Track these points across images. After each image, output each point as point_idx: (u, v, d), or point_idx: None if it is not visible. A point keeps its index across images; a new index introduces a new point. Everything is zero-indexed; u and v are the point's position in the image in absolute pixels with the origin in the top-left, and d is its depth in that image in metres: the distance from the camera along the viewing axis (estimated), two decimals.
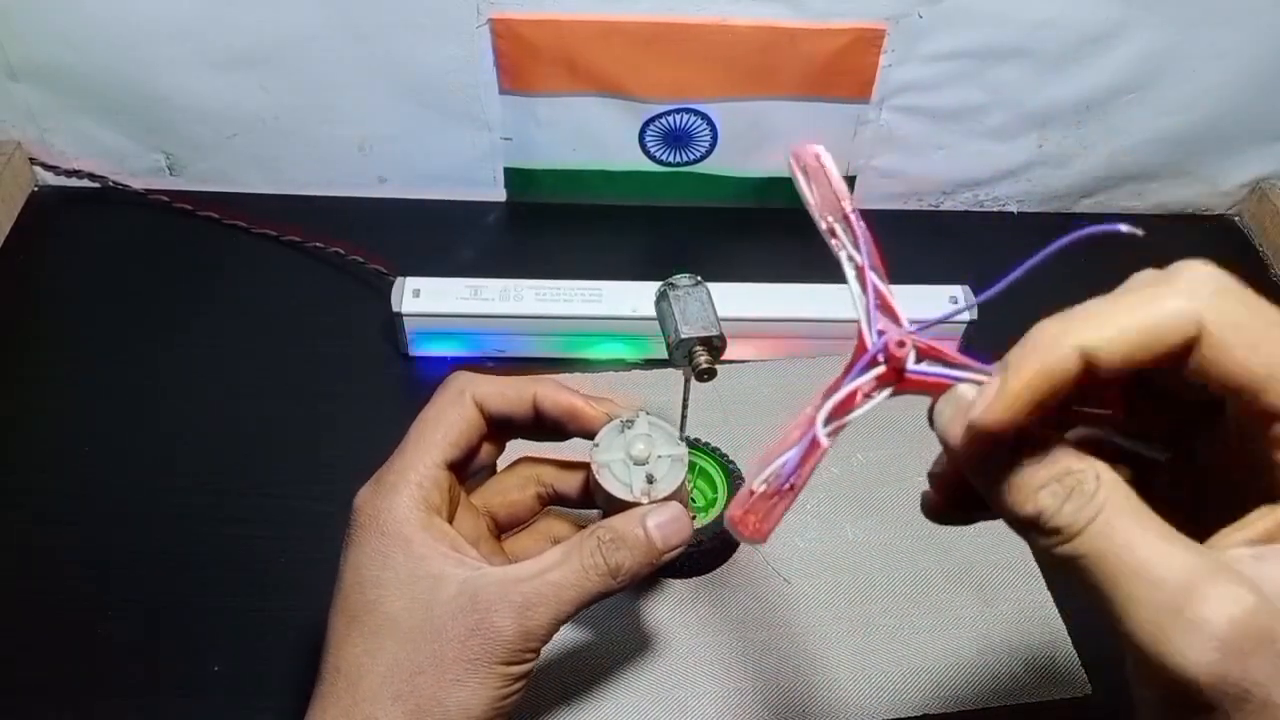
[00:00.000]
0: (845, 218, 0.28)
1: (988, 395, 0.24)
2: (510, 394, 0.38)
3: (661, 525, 0.35)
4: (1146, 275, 0.25)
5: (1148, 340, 0.23)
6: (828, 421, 0.27)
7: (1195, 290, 0.23)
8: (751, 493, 0.28)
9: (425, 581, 0.33)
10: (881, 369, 0.27)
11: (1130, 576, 0.22)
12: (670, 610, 0.50)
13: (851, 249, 0.28)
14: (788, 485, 0.27)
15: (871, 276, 0.28)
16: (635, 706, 0.46)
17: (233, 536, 0.53)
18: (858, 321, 0.28)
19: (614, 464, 0.38)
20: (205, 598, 0.51)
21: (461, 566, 0.34)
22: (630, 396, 0.40)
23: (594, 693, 0.46)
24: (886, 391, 0.27)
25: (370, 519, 0.35)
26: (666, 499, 0.37)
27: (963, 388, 0.26)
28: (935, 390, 0.26)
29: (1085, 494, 0.23)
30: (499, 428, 0.39)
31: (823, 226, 0.29)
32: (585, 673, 0.47)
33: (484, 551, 0.38)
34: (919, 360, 0.27)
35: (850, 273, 0.28)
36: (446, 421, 0.37)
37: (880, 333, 0.27)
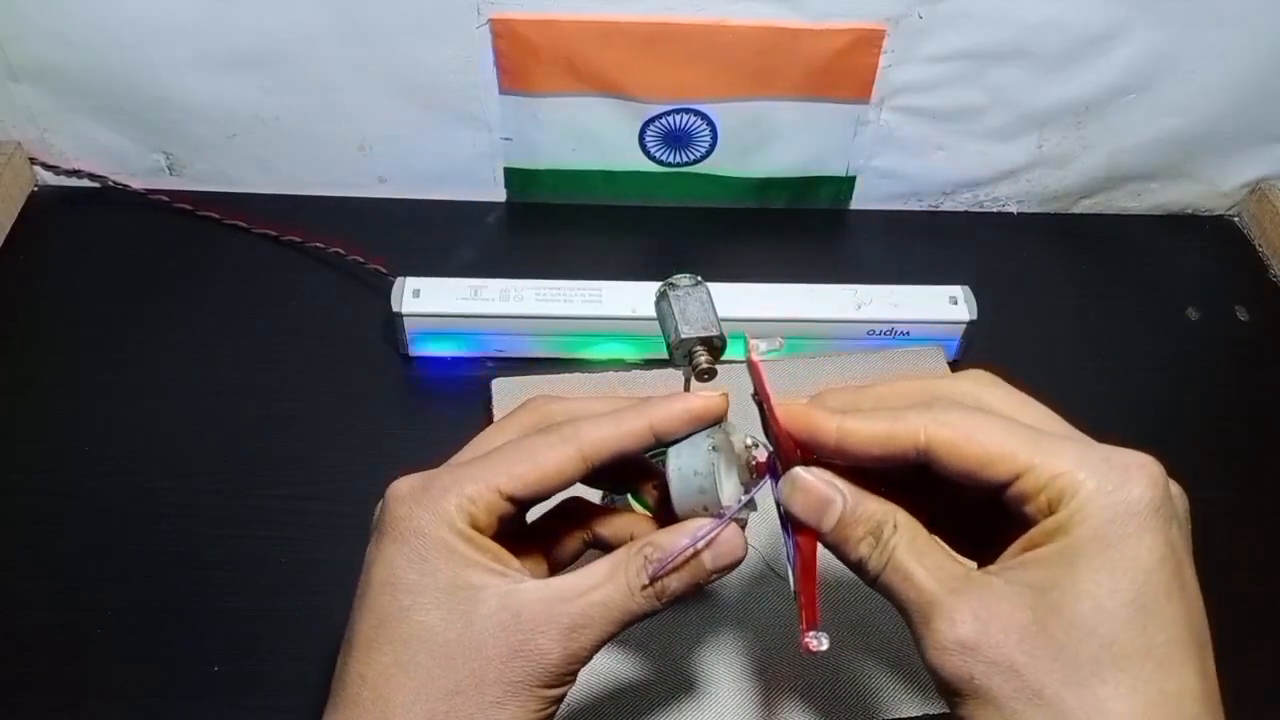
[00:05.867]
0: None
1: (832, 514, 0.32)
2: (625, 430, 0.34)
3: (713, 544, 0.33)
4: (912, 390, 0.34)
5: (888, 445, 0.31)
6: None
7: (921, 414, 0.31)
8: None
9: (464, 593, 0.32)
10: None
11: (904, 600, 0.31)
12: (668, 611, 0.49)
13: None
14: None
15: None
16: (634, 707, 0.46)
17: (233, 536, 0.53)
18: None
19: (729, 461, 0.35)
20: (205, 598, 0.51)
21: (502, 578, 0.32)
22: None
23: (591, 694, 0.46)
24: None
25: (409, 513, 0.32)
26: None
27: (797, 470, 0.33)
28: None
29: (884, 541, 0.31)
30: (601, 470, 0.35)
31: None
32: (582, 675, 0.47)
33: (523, 559, 0.35)
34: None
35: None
36: (536, 461, 0.33)
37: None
